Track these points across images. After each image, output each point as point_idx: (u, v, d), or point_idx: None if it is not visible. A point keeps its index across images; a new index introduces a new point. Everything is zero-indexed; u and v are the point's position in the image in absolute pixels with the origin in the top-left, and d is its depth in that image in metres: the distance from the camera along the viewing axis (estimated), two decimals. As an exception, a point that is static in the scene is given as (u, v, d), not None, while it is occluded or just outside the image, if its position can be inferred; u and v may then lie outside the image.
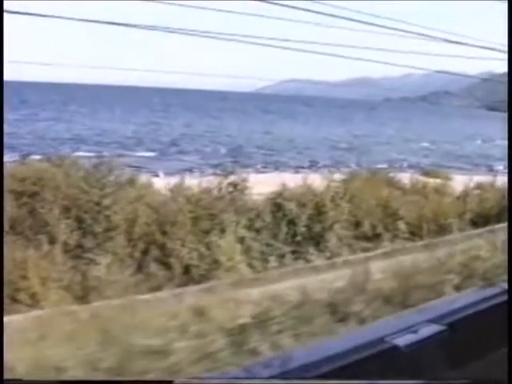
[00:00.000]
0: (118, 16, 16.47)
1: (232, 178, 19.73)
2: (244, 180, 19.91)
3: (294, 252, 17.65)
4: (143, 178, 23.50)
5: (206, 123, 78.96)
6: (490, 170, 46.48)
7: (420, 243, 16.41)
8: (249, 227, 17.55)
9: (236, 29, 18.71)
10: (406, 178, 30.98)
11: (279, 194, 19.80)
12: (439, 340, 2.52)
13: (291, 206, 18.50)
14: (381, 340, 2.42)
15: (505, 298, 2.90)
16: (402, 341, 2.41)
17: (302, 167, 41.56)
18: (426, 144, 69.66)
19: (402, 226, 20.88)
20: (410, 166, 45.10)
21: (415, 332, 2.49)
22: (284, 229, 18.07)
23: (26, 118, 62.44)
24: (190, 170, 36.29)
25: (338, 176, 29.01)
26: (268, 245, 17.33)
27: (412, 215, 22.12)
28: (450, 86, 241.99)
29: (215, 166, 38.59)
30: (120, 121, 74.92)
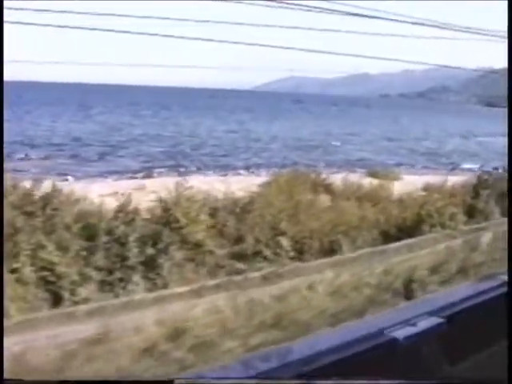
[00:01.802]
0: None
1: (46, 188, 16.11)
2: (58, 191, 16.38)
3: (120, 280, 13.96)
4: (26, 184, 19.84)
5: (178, 122, 75.82)
6: (453, 168, 43.25)
7: (257, 274, 12.78)
8: (65, 250, 13.86)
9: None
10: (346, 179, 27.59)
11: (123, 207, 16.25)
12: (438, 332, 2.51)
13: (118, 223, 14.83)
14: (380, 333, 2.41)
15: (503, 290, 2.90)
16: (401, 333, 2.41)
17: (238, 168, 38.07)
18: (403, 143, 66.07)
19: (284, 242, 17.23)
20: (370, 166, 41.22)
21: (414, 325, 2.48)
22: (114, 251, 14.40)
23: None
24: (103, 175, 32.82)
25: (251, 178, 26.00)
26: (82, 273, 13.62)
27: (309, 227, 18.51)
28: (449, 81, 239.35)
29: (141, 170, 35.47)
30: (87, 121, 72.00)
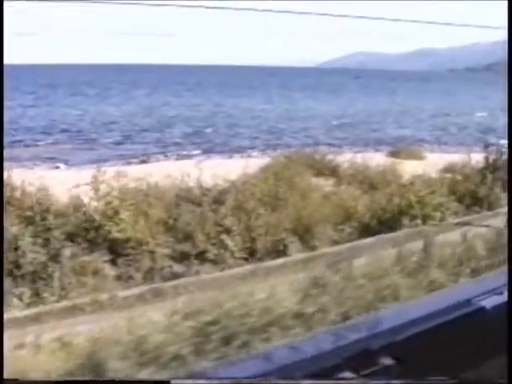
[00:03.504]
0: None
1: None
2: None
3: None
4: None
5: (221, 102, 73.86)
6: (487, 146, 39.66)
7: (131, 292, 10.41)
8: None
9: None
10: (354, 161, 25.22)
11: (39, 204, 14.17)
12: None
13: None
14: (467, 302, 2.42)
15: None
16: (488, 302, 2.41)
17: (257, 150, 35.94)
18: (453, 118, 62.68)
19: (229, 242, 14.84)
20: (405, 143, 38.52)
21: (501, 293, 2.47)
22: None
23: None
24: (105, 161, 30.97)
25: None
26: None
27: (269, 221, 16.10)
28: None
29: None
30: (126, 102, 70.76)
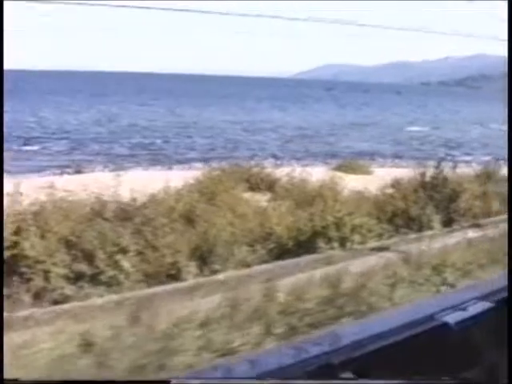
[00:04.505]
0: None
1: None
2: None
3: None
4: None
5: (183, 113, 73.37)
6: (441, 161, 38.99)
7: None
8: None
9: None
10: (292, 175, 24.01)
11: None
12: (488, 317, 2.46)
13: None
14: (430, 317, 2.40)
15: None
16: (451, 318, 2.39)
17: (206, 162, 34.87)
18: (415, 133, 61.91)
19: (124, 263, 13.69)
20: (358, 157, 37.94)
21: (464, 309, 2.46)
22: None
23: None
24: (42, 170, 29.89)
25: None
26: None
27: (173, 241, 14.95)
28: (487, 69, 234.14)
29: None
30: (87, 111, 69.74)
